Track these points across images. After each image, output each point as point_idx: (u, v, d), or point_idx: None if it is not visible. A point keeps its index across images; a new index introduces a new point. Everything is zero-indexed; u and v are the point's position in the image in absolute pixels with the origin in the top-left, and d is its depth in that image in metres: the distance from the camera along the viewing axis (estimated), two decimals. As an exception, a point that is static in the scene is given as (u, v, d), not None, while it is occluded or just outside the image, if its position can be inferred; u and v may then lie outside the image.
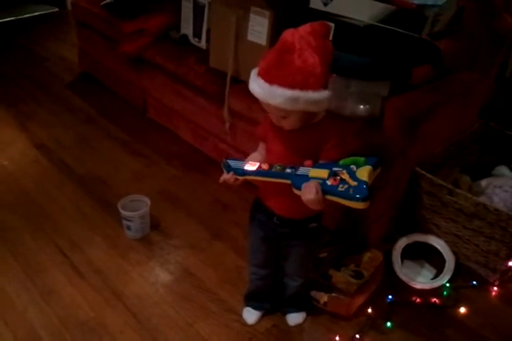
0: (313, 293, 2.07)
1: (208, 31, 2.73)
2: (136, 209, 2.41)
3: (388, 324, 2.06)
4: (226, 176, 1.63)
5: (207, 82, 2.71)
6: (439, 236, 2.32)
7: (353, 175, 1.45)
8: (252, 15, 2.36)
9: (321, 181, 1.46)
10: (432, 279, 2.23)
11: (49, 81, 3.89)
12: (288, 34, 1.46)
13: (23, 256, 2.35)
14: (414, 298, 2.16)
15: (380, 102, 2.15)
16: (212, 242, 2.44)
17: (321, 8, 2.19)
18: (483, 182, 2.42)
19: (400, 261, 2.25)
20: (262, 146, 1.76)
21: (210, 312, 2.10)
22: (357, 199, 1.40)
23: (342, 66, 2.11)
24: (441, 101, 2.22)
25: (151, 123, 3.34)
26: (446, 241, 2.29)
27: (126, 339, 1.99)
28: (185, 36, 2.94)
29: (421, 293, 2.18)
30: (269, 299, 2.07)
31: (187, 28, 2.92)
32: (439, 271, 2.25)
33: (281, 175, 1.54)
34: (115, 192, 2.71)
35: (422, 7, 2.09)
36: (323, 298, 2.05)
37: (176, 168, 2.95)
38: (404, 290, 2.19)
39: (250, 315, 2.06)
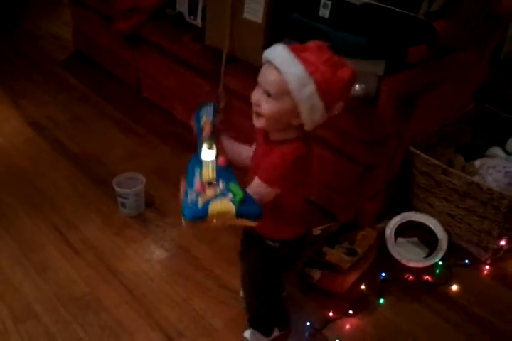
0: (307, 270, 2.08)
1: (204, 9, 2.71)
2: (131, 186, 2.41)
3: (381, 300, 2.09)
4: None
5: (202, 60, 2.70)
6: (432, 215, 2.34)
7: (216, 197, 1.29)
8: (248, -7, 2.35)
9: (197, 180, 1.35)
10: (425, 257, 2.26)
11: (43, 59, 3.86)
12: None
13: (19, 232, 2.36)
14: (406, 276, 2.18)
15: (376, 81, 2.16)
16: (207, 220, 2.45)
17: (319, -15, 2.18)
18: (477, 163, 2.43)
19: (393, 240, 2.27)
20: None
21: (205, 289, 2.12)
22: (184, 215, 1.28)
23: (338, 45, 2.11)
24: (436, 81, 2.23)
25: (145, 102, 3.32)
26: (439, 220, 2.31)
27: (121, 315, 2.01)
28: (180, 14, 2.91)
29: (414, 270, 2.20)
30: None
31: (182, 6, 2.89)
32: (432, 249, 2.28)
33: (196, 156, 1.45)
34: (110, 170, 2.71)
35: (420, -14, 2.09)
36: (317, 274, 2.07)
37: (171, 146, 2.95)
38: (397, 268, 2.21)
39: None
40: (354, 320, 2.02)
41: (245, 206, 1.29)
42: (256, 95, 1.42)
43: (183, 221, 1.28)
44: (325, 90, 1.34)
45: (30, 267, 2.19)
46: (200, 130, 1.55)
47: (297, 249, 1.66)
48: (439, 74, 2.27)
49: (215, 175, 1.36)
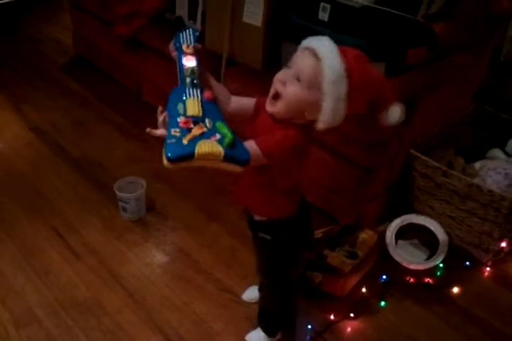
0: (308, 273, 2.08)
1: (203, 13, 2.72)
2: (132, 191, 2.42)
3: (382, 303, 2.09)
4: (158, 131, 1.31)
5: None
6: (432, 217, 2.34)
7: (203, 136, 1.20)
8: (247, -3, 2.36)
9: (181, 117, 1.24)
10: (426, 260, 2.25)
11: (43, 64, 3.87)
12: None
13: (20, 237, 2.36)
14: (407, 278, 2.18)
15: (376, 84, 2.16)
16: (208, 224, 2.46)
17: (317, -11, 2.19)
18: (477, 165, 2.43)
19: (394, 242, 2.27)
20: (244, 98, 1.52)
21: (205, 292, 2.12)
22: (167, 154, 1.17)
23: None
24: (436, 84, 2.23)
25: (146, 106, 3.32)
26: (440, 223, 2.31)
27: (123, 319, 2.01)
28: (180, 18, 2.92)
29: (414, 273, 2.20)
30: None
31: (182, 10, 2.89)
32: (433, 251, 2.27)
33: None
34: (111, 175, 2.71)
35: (418, -12, 2.09)
36: (318, 277, 2.07)
37: (171, 150, 2.94)
38: (398, 270, 2.21)
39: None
40: (355, 323, 2.02)
41: (234, 149, 1.19)
42: (284, 75, 1.34)
43: (164, 161, 1.18)
44: (354, 95, 1.31)
45: (31, 271, 2.20)
46: (182, 58, 1.40)
47: (294, 233, 1.58)
48: (438, 76, 2.27)
49: (201, 110, 1.26)
